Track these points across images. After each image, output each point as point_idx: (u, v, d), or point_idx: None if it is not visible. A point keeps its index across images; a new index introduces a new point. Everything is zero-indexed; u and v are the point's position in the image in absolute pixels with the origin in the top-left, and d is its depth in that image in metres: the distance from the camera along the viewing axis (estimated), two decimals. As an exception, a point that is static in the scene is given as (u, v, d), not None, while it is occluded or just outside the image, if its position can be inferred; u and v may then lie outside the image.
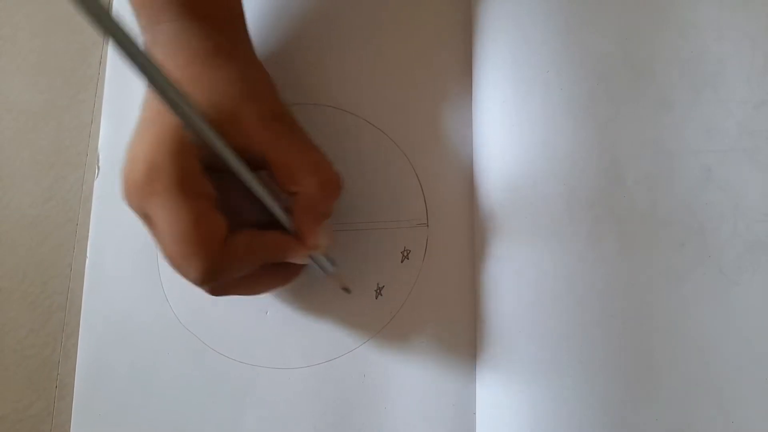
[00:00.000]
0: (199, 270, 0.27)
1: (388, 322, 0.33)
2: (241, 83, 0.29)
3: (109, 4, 0.41)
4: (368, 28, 0.37)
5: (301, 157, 0.29)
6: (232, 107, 0.28)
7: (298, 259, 0.30)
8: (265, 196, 0.28)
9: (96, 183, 0.37)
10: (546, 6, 0.33)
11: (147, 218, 0.28)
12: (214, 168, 0.28)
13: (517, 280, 0.31)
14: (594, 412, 0.28)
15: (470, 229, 0.33)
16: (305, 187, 0.29)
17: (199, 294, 0.33)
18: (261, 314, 0.34)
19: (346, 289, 0.33)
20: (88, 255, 0.36)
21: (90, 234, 0.37)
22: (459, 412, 0.31)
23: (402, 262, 0.34)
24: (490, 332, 0.31)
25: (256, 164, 0.28)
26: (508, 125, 0.32)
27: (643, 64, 0.33)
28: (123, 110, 0.38)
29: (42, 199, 0.38)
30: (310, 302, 0.34)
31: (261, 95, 0.30)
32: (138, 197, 0.27)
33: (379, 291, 0.33)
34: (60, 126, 0.39)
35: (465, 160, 0.35)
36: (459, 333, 0.32)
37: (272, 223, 0.29)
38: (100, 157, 0.38)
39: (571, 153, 0.31)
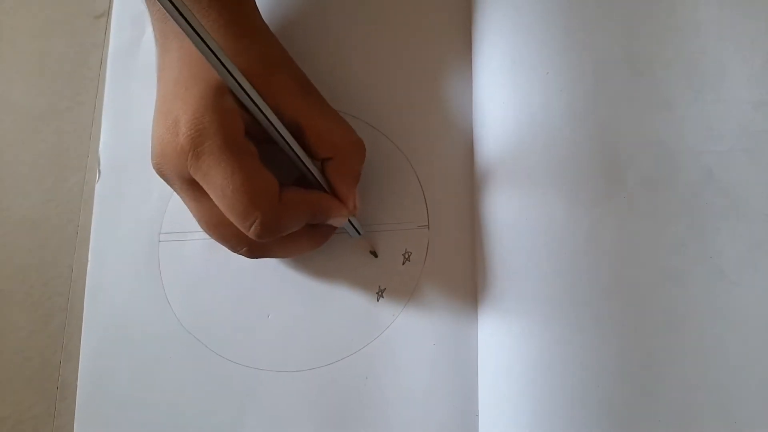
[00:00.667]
0: (260, 223, 0.27)
1: (389, 324, 0.33)
2: (268, 55, 0.30)
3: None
4: (368, 31, 0.37)
5: (333, 124, 0.30)
6: (263, 77, 0.29)
7: (338, 221, 0.31)
8: (306, 158, 0.29)
9: (97, 186, 0.37)
10: (545, 8, 0.33)
11: (190, 185, 0.28)
12: (250, 133, 0.28)
13: (518, 283, 0.31)
14: (596, 415, 0.28)
15: (471, 231, 0.34)
16: (339, 151, 0.30)
17: (201, 297, 0.34)
18: (263, 317, 0.34)
19: (374, 253, 0.34)
20: (89, 259, 0.36)
21: (91, 237, 0.37)
22: (461, 414, 0.31)
23: (403, 264, 0.34)
24: (492, 334, 0.31)
25: None
26: (508, 127, 0.32)
27: (643, 65, 0.33)
28: (123, 112, 0.38)
29: (43, 200, 0.38)
30: (313, 305, 0.34)
31: (288, 66, 0.31)
32: (182, 162, 0.27)
33: (380, 293, 0.33)
34: (60, 128, 0.39)
35: (466, 162, 0.35)
36: (461, 334, 0.32)
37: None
38: (101, 161, 0.38)
39: (571, 154, 0.31)
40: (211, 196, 0.28)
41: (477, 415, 0.31)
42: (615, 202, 0.31)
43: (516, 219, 0.31)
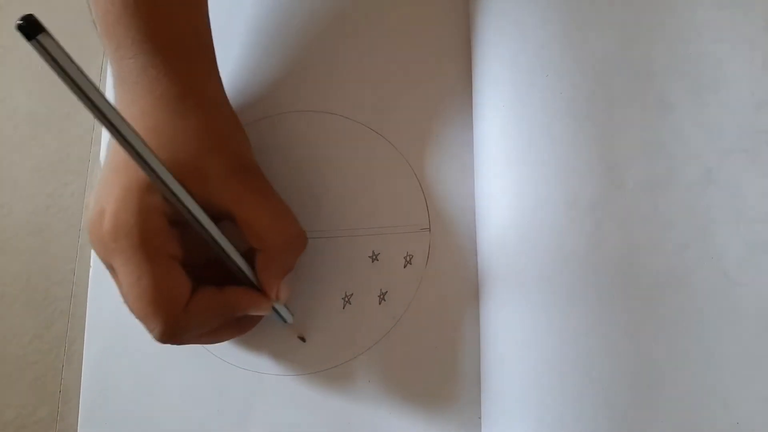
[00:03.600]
0: (159, 331, 0.26)
1: (391, 327, 0.33)
2: (208, 134, 0.29)
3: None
4: (368, 35, 0.37)
5: (268, 214, 0.29)
6: (197, 160, 0.28)
7: (260, 312, 0.30)
8: (232, 252, 0.28)
9: (99, 193, 0.38)
10: (544, 10, 0.33)
11: (111, 269, 0.28)
12: (177, 222, 0.27)
13: (518, 284, 0.31)
14: (598, 414, 0.28)
15: (472, 234, 0.33)
16: (271, 243, 0.29)
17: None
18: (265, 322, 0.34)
19: (302, 338, 0.33)
20: (92, 265, 0.36)
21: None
22: (464, 417, 0.31)
23: (405, 267, 0.34)
24: (494, 338, 0.31)
25: (218, 216, 0.28)
26: (508, 129, 0.32)
27: (642, 67, 0.33)
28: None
29: (44, 205, 0.38)
30: (315, 309, 0.34)
31: (228, 147, 0.29)
32: (102, 249, 0.27)
33: (382, 296, 0.33)
34: (62, 133, 0.40)
35: (466, 164, 0.35)
36: (462, 337, 0.32)
37: (230, 271, 0.29)
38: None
39: (571, 157, 0.31)
40: (119, 291, 0.27)
41: (480, 418, 0.31)
42: (616, 205, 0.31)
43: (515, 220, 0.31)
